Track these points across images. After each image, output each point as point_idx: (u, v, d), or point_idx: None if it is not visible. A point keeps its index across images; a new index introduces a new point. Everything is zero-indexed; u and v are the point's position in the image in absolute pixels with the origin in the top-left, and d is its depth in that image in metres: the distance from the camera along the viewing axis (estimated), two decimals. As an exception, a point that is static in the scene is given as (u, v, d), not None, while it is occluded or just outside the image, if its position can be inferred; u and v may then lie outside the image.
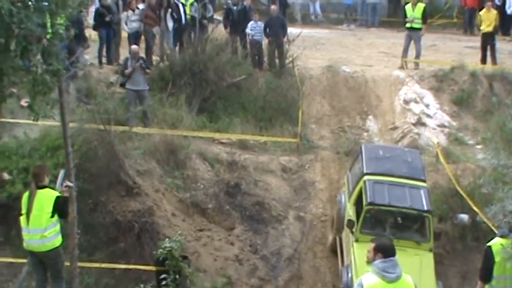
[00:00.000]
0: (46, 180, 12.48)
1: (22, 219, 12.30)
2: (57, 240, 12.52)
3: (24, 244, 12.42)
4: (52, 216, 12.23)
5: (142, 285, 15.21)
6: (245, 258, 18.70)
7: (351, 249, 15.96)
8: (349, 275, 15.35)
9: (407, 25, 25.10)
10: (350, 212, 16.76)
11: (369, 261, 9.05)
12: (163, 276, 14.80)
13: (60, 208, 12.31)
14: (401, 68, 25.10)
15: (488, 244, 12.07)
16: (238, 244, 18.94)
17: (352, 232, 16.00)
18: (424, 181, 16.90)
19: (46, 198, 12.25)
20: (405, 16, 25.30)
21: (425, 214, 15.98)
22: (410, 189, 16.44)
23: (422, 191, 16.42)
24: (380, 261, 8.79)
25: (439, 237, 16.49)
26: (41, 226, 12.19)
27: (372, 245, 9.09)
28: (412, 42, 25.08)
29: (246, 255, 18.78)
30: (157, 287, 15.17)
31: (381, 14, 33.77)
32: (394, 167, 17.07)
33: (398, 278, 8.68)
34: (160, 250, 15.62)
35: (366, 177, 16.68)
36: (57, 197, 12.33)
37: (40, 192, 12.22)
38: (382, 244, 9.15)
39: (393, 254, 8.92)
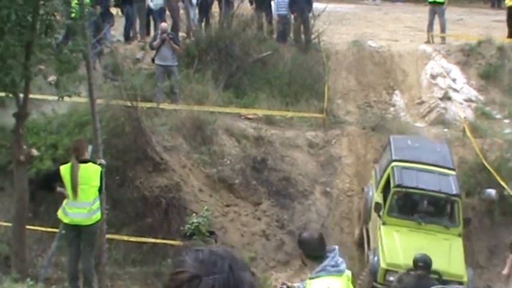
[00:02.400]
0: (86, 154, 12.54)
1: (69, 193, 12.27)
2: (100, 214, 12.65)
3: (67, 218, 12.41)
4: (98, 190, 12.35)
5: (169, 260, 15.28)
6: (272, 234, 18.75)
7: (377, 232, 15.87)
8: (376, 258, 15.25)
9: (430, -1, 24.93)
10: (378, 199, 16.60)
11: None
12: (190, 251, 14.78)
13: (101, 182, 12.43)
14: (428, 42, 24.88)
15: None
16: (265, 219, 18.98)
17: (379, 216, 15.90)
18: (453, 170, 16.60)
19: (92, 172, 12.33)
20: (428, -10, 25.15)
21: (454, 198, 15.77)
22: (439, 176, 16.22)
23: (451, 177, 16.20)
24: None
25: (469, 223, 16.28)
26: (88, 199, 12.28)
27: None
28: (436, 16, 24.85)
29: (272, 230, 18.83)
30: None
31: (407, -12, 33.52)
32: (423, 155, 16.83)
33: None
34: (188, 225, 15.72)
35: (394, 163, 16.51)
36: (101, 171, 12.45)
37: (83, 166, 12.26)
38: (307, 239, 7.84)
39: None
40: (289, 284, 8.31)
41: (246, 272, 2.50)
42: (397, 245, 15.29)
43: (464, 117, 21.22)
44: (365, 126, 21.21)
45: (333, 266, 7.38)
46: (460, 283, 14.26)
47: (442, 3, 24.72)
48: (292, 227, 18.89)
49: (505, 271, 14.08)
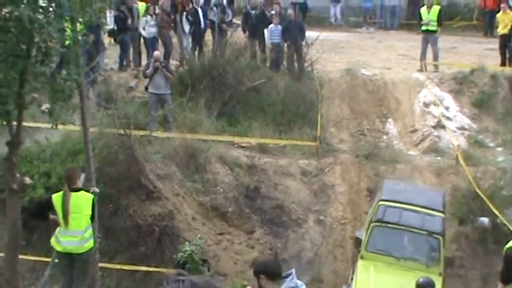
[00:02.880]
0: (79, 183, 12.60)
1: (61, 221, 12.34)
2: (92, 241, 12.70)
3: (60, 247, 12.47)
4: (90, 218, 12.40)
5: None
6: (265, 262, 18.71)
7: (355, 266, 15.79)
8: None
9: (423, 28, 25.17)
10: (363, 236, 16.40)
11: None
12: (183, 279, 14.83)
13: (93, 210, 12.48)
14: (421, 70, 25.04)
15: (507, 246, 12.08)
16: (258, 247, 19.00)
17: (358, 251, 15.80)
18: (442, 212, 16.20)
19: (84, 200, 12.39)
20: (421, 19, 25.41)
21: (435, 235, 15.46)
22: (425, 215, 15.86)
23: (437, 218, 15.87)
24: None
25: (451, 264, 16.09)
26: (80, 228, 12.33)
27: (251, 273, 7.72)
28: (429, 44, 25.06)
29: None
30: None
31: (399, 16, 33.69)
32: (413, 197, 16.51)
33: None
34: (181, 254, 15.75)
35: (380, 202, 16.40)
36: (93, 199, 12.50)
37: (75, 194, 12.32)
38: (263, 263, 7.90)
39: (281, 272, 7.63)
40: None
41: None
42: (371, 278, 15.03)
43: (458, 146, 21.29)
44: (358, 154, 21.29)
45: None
46: None
47: (434, 32, 24.94)
48: (285, 255, 18.90)
49: None
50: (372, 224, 15.89)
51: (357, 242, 16.02)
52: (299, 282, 7.45)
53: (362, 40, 30.76)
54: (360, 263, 15.57)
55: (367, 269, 15.37)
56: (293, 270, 7.58)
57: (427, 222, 15.67)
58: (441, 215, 16.03)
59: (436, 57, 25.28)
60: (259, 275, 7.52)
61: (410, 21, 31.86)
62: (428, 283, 12.70)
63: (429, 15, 24.99)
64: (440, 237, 15.48)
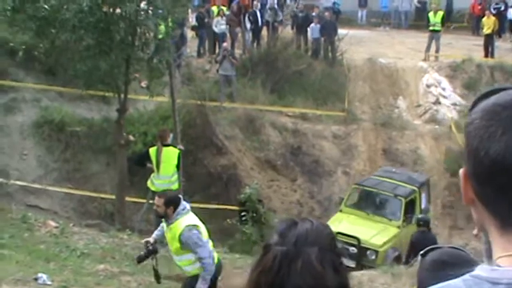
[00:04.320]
0: (168, 140, 12.65)
1: (155, 168, 12.41)
2: (178, 184, 12.78)
3: (154, 187, 12.53)
4: (176, 167, 12.47)
5: (228, 220, 15.38)
6: (304, 202, 18.77)
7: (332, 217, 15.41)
8: None
9: (430, 28, 24.63)
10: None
11: (162, 214, 7.81)
12: (243, 214, 14.98)
13: (179, 161, 12.54)
14: (424, 60, 24.62)
15: None
16: (300, 191, 19.00)
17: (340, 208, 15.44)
18: (415, 186, 15.26)
19: (172, 153, 12.43)
20: (428, 21, 24.90)
21: (400, 198, 14.76)
22: (398, 186, 15.16)
23: (407, 188, 15.13)
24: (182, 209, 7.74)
25: (410, 221, 14.54)
26: (168, 174, 12.39)
27: (161, 200, 7.72)
28: (434, 40, 24.60)
29: (305, 199, 18.84)
30: (239, 221, 15.32)
31: (409, 19, 33.02)
32: (396, 176, 15.80)
33: None
34: (242, 195, 15.77)
35: (369, 176, 16.17)
36: (179, 153, 12.55)
37: (166, 149, 12.38)
38: (173, 197, 7.96)
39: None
40: (151, 240, 8.17)
41: (312, 248, 1.90)
42: (339, 221, 14.55)
43: (451, 117, 21.04)
44: (376, 122, 21.12)
45: (183, 209, 7.75)
46: (376, 251, 13.73)
47: (439, 31, 24.54)
48: (320, 197, 18.93)
49: (475, 231, 14.04)
50: (353, 186, 15.72)
51: (340, 199, 15.71)
52: (185, 203, 7.91)
53: (380, 36, 30.18)
54: (337, 214, 15.21)
55: (341, 217, 14.99)
56: (181, 196, 8.15)
57: (396, 190, 15.03)
58: (412, 187, 15.19)
59: (438, 50, 24.80)
60: (169, 206, 7.71)
61: (417, 22, 31.16)
62: (427, 217, 12.62)
63: (435, 18, 24.49)
64: (403, 199, 14.74)
